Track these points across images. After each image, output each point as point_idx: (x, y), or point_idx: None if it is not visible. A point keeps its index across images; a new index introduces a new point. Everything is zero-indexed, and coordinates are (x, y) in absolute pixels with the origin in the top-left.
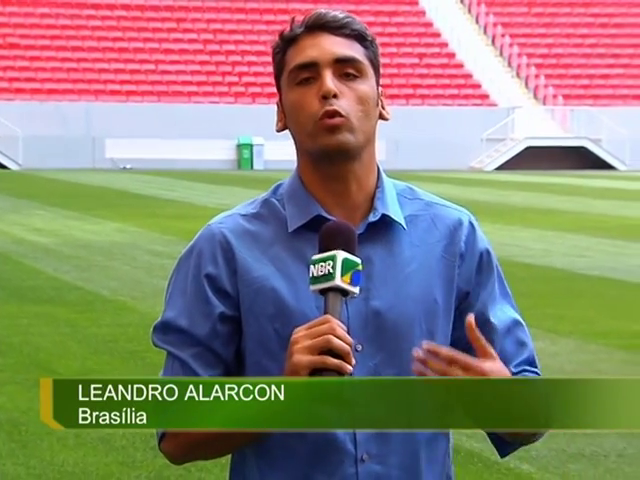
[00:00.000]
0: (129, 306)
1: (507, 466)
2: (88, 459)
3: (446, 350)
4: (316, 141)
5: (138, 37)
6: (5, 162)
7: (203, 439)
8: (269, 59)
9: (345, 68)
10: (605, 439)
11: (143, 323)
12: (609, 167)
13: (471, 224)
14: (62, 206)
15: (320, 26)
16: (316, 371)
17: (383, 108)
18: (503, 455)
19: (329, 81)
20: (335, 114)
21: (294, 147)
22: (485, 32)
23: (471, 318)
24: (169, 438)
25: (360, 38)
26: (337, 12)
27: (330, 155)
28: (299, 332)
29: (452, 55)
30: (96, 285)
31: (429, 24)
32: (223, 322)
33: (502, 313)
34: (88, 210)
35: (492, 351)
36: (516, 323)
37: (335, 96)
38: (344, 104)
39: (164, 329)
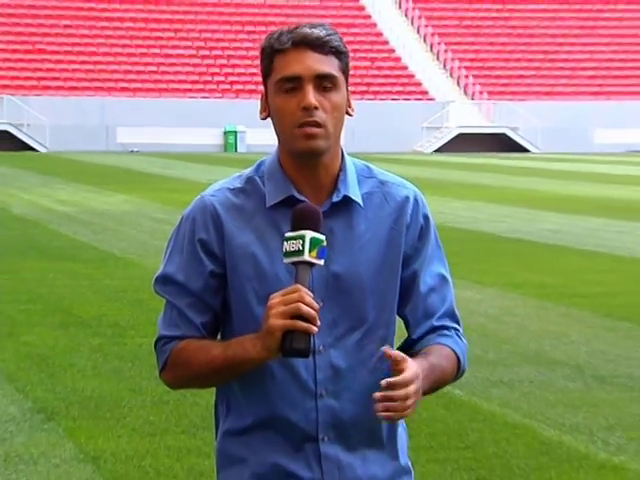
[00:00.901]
0: (136, 263)
1: (442, 390)
2: (103, 386)
3: (399, 384)
4: (295, 144)
5: (143, 44)
6: (35, 146)
7: (195, 376)
8: (250, 62)
9: (323, 82)
10: (520, 369)
11: (147, 276)
12: (525, 150)
13: (416, 200)
14: (81, 182)
15: (305, 44)
16: (288, 332)
17: (350, 107)
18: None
19: (311, 96)
20: (314, 125)
21: (274, 133)
22: (425, 41)
23: (387, 350)
24: (168, 370)
25: (336, 53)
26: (320, 30)
27: (306, 155)
28: (274, 299)
29: (398, 59)
30: (109, 245)
31: (379, 34)
32: (213, 278)
33: (432, 275)
34: (102, 185)
35: (403, 360)
36: (442, 281)
37: (315, 108)
38: (322, 115)
39: (164, 281)
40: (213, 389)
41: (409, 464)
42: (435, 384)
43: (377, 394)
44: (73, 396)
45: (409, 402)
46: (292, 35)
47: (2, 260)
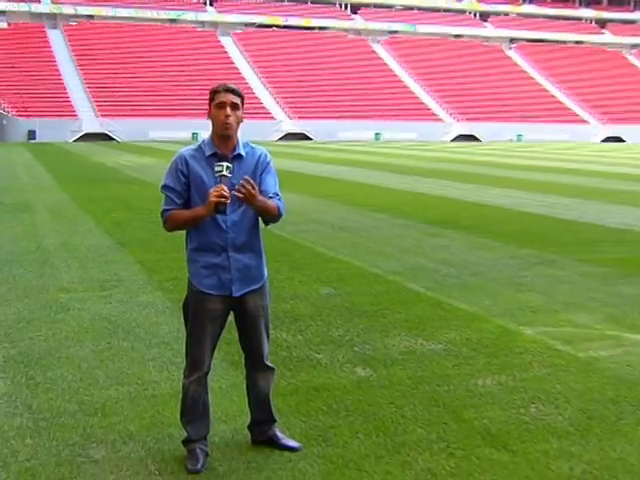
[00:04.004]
0: (156, 184)
1: (275, 232)
2: (143, 234)
3: (248, 185)
4: (220, 130)
5: (160, 94)
6: (116, 138)
7: (178, 224)
8: (204, 102)
9: (234, 106)
10: (309, 225)
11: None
12: (311, 139)
13: (265, 154)
14: (134, 153)
15: (228, 90)
16: (217, 203)
17: (242, 119)
18: (266, 225)
19: (228, 111)
20: (229, 124)
21: (211, 126)
22: (268, 91)
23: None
24: (166, 223)
25: (240, 96)
26: (234, 87)
27: (224, 136)
28: (211, 190)
29: (258, 100)
30: (146, 177)
31: (252, 92)
32: (185, 185)
33: (269, 179)
34: (142, 154)
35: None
36: (274, 182)
37: (229, 116)
38: (232, 120)
39: (164, 186)
40: (184, 232)
41: (265, 262)
42: (263, 206)
43: (241, 181)
44: (132, 237)
45: (249, 195)
46: (223, 87)
47: (103, 184)
